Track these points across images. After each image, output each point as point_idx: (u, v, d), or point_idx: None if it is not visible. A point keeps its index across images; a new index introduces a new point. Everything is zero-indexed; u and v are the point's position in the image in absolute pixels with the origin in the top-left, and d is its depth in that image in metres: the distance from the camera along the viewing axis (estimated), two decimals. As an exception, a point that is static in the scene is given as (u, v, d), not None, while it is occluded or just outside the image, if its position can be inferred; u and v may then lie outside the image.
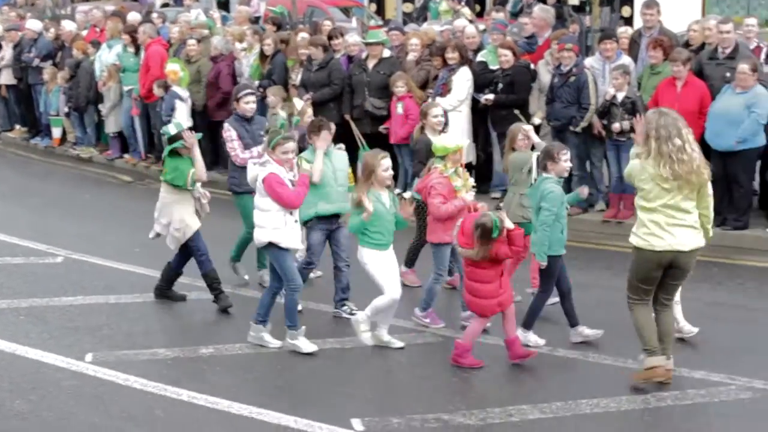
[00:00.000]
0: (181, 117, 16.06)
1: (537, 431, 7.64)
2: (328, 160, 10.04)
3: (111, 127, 18.64)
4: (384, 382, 8.82)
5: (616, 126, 12.96)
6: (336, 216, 10.08)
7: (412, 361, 9.06)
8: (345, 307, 10.18)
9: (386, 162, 9.21)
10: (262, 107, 13.39)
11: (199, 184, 10.39)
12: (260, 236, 9.25)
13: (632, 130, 12.94)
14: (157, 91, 16.67)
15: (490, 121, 14.33)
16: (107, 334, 9.86)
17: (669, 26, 14.56)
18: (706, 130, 12.34)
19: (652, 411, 7.99)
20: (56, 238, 13.34)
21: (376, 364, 9.17)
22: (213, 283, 10.49)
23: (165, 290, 10.80)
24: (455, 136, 10.33)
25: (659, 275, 8.25)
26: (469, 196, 9.66)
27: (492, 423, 7.76)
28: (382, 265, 9.20)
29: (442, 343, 9.42)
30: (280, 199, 9.03)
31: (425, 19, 22.94)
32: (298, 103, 11.21)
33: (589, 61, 13.96)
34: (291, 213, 9.16)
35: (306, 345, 9.24)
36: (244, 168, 10.63)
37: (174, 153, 10.27)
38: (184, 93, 16.29)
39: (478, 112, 14.29)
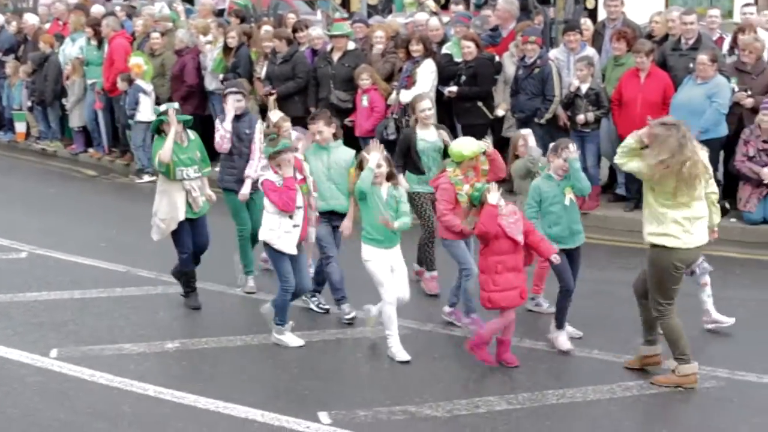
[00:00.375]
0: (146, 111, 16.03)
1: (504, 422, 7.67)
2: (326, 155, 9.91)
3: (75, 121, 18.53)
4: (351, 375, 8.82)
5: (580, 117, 13.05)
6: (334, 213, 9.88)
7: (379, 354, 9.06)
8: (314, 299, 10.20)
9: (375, 158, 8.96)
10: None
11: (197, 175, 10.22)
12: (260, 233, 9.35)
13: (597, 121, 13.16)
14: (121, 85, 16.59)
15: (454, 114, 14.34)
16: (72, 329, 9.81)
17: (632, 18, 14.65)
18: (669, 121, 12.41)
19: (618, 401, 8.05)
20: (20, 233, 13.24)
21: (343, 357, 9.19)
22: (189, 281, 10.46)
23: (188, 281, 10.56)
24: (473, 140, 9.49)
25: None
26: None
27: (459, 414, 7.79)
28: (380, 265, 8.92)
29: (410, 335, 9.41)
30: (273, 203, 9.10)
31: (390, 11, 22.89)
32: (274, 115, 11.07)
33: (553, 53, 14.02)
34: (290, 217, 9.16)
35: (292, 340, 9.32)
36: (227, 164, 10.72)
37: (160, 134, 10.16)
38: (147, 86, 16.23)
39: (443, 105, 14.30)
